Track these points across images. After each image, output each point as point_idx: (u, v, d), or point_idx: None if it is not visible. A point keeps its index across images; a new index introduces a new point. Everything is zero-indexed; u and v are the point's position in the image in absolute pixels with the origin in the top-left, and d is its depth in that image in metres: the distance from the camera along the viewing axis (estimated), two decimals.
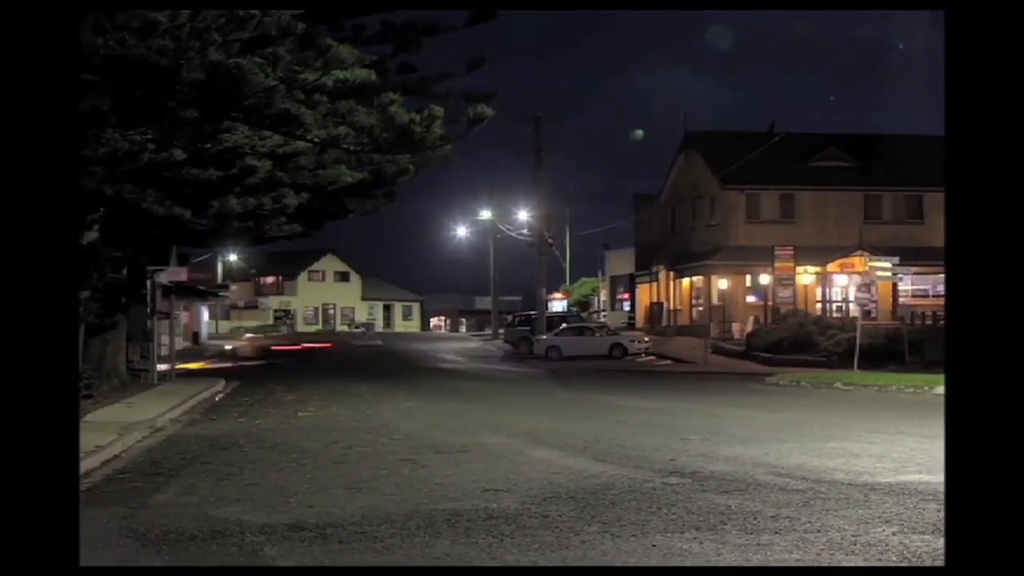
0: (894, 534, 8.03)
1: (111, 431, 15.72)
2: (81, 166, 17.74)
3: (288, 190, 24.50)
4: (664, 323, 55.98)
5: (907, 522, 8.49)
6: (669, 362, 42.94)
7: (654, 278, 58.32)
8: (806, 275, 49.31)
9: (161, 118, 17.84)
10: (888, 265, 35.58)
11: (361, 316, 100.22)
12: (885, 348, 34.90)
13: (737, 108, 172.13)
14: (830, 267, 48.59)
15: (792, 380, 29.07)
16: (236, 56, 16.23)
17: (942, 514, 7.82)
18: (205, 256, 57.49)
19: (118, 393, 24.03)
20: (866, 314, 36.25)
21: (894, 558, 7.32)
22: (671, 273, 55.96)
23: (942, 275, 29.76)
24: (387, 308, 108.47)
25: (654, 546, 7.72)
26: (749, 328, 45.94)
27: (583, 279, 76.68)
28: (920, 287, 48.33)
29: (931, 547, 7.54)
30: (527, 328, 53.75)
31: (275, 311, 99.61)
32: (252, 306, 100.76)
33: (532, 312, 57.46)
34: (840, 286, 49.18)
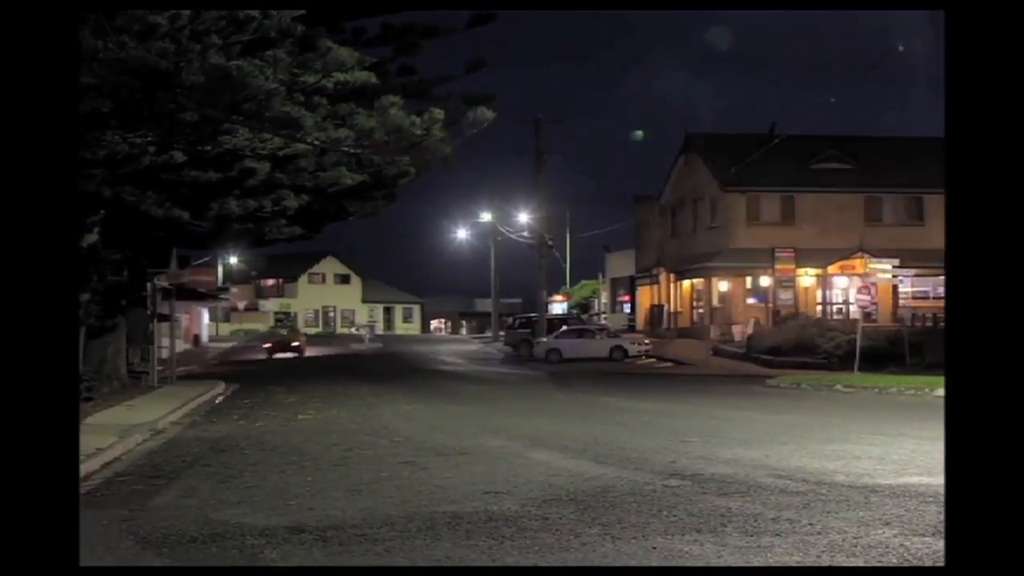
0: (895, 536, 8.03)
1: (111, 433, 15.72)
2: (81, 168, 17.74)
3: (288, 192, 24.50)
4: (665, 325, 55.97)
5: (908, 524, 8.48)
6: (670, 364, 42.92)
7: (654, 280, 58.31)
8: (807, 277, 49.30)
9: (161, 120, 17.85)
10: (888, 267, 35.61)
11: (362, 318, 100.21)
12: (886, 350, 34.89)
13: (737, 110, 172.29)
14: (831, 269, 48.57)
15: (793, 382, 29.06)
16: (236, 59, 16.23)
17: (943, 516, 7.82)
18: (205, 259, 57.42)
19: (118, 395, 24.03)
20: (867, 316, 36.21)
21: (895, 560, 7.32)
22: (672, 275, 55.96)
23: (943, 277, 29.77)
24: (387, 310, 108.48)
25: (655, 548, 7.71)
26: (750, 330, 45.92)
27: (583, 281, 76.68)
28: (921, 289, 48.30)
29: (932, 549, 7.54)
30: (527, 330, 53.73)
31: (276, 314, 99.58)
32: (252, 308, 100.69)
33: (532, 314, 57.44)
34: (841, 288, 49.16)
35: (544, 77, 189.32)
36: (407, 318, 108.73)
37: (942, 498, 8.22)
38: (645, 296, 60.75)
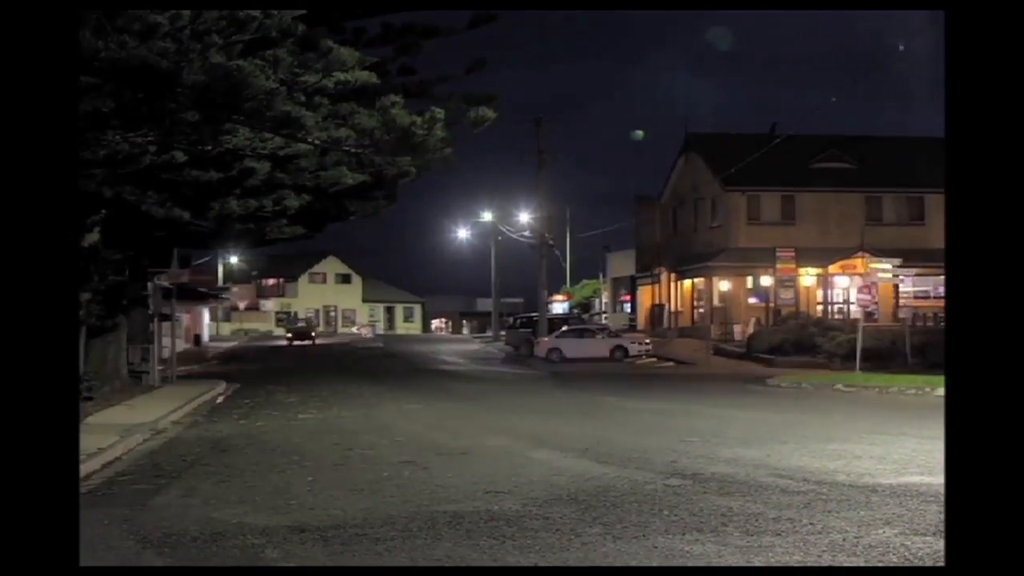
0: (896, 535, 8.03)
1: (112, 433, 15.72)
2: (82, 168, 17.74)
3: (289, 192, 24.50)
4: (665, 325, 55.96)
5: (909, 524, 8.48)
6: (670, 364, 42.91)
7: (655, 280, 58.29)
8: (807, 277, 49.28)
9: (162, 120, 17.84)
10: (889, 267, 35.56)
11: (363, 318, 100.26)
12: (887, 350, 34.88)
13: (738, 110, 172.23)
14: (831, 269, 48.55)
15: (793, 382, 29.06)
16: (237, 58, 16.22)
17: (943, 515, 7.82)
18: (206, 258, 57.51)
19: (119, 395, 24.03)
20: (867, 316, 36.17)
21: (895, 559, 7.32)
22: (672, 275, 55.94)
23: (943, 277, 29.72)
24: (388, 310, 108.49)
25: (655, 548, 7.72)
26: (750, 330, 45.90)
27: (584, 281, 76.67)
28: (922, 288, 48.27)
29: (932, 548, 7.54)
30: (528, 330, 53.72)
31: (277, 313, 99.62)
32: (253, 308, 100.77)
33: (533, 314, 57.42)
34: (841, 288, 49.14)
35: (544, 77, 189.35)
36: (408, 318, 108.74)
37: (943, 498, 8.23)
38: (646, 296, 60.74)
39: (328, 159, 23.10)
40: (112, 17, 14.77)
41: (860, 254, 45.37)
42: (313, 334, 73.26)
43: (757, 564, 7.22)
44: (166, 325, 32.51)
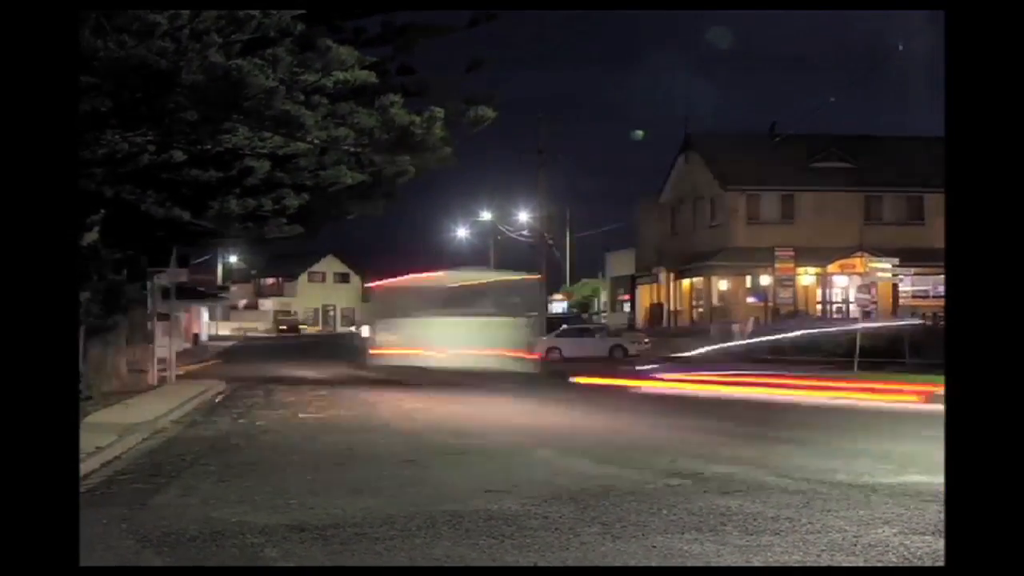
0: (895, 535, 8.03)
1: (111, 432, 15.71)
2: (81, 168, 17.73)
3: (288, 191, 24.48)
4: (665, 324, 55.97)
5: (908, 523, 8.48)
6: None
7: (655, 279, 58.30)
8: (806, 276, 49.30)
9: (161, 119, 17.84)
10: (888, 266, 35.64)
11: (362, 317, 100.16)
12: (885, 349, 34.87)
13: (738, 110, 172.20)
14: (830, 268, 48.58)
15: None
16: (236, 58, 16.22)
17: (943, 515, 7.82)
18: (205, 257, 57.53)
19: (118, 394, 24.01)
20: (866, 315, 36.21)
21: (895, 559, 7.32)
22: (672, 274, 55.96)
23: (942, 276, 29.80)
24: None
25: (655, 547, 7.71)
26: (749, 329, 45.93)
27: (584, 280, 76.63)
28: (921, 288, 48.32)
29: (932, 548, 7.54)
30: None
31: (277, 313, 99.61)
32: (252, 307, 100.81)
33: (533, 313, 57.34)
34: (840, 287, 49.18)
35: (543, 77, 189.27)
36: None
37: (943, 497, 8.24)
38: (645, 295, 60.75)
39: (327, 158, 23.09)
40: (111, 17, 14.77)
41: (859, 254, 45.43)
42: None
43: (756, 564, 7.22)
44: (165, 324, 32.50)
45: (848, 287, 46.90)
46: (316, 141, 19.62)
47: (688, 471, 11.52)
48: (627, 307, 65.22)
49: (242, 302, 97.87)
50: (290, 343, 73.97)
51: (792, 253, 47.74)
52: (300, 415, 20.03)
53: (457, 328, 34.52)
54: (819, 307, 49.51)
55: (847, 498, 9.68)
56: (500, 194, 72.20)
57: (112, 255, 25.78)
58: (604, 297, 70.71)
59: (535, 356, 34.47)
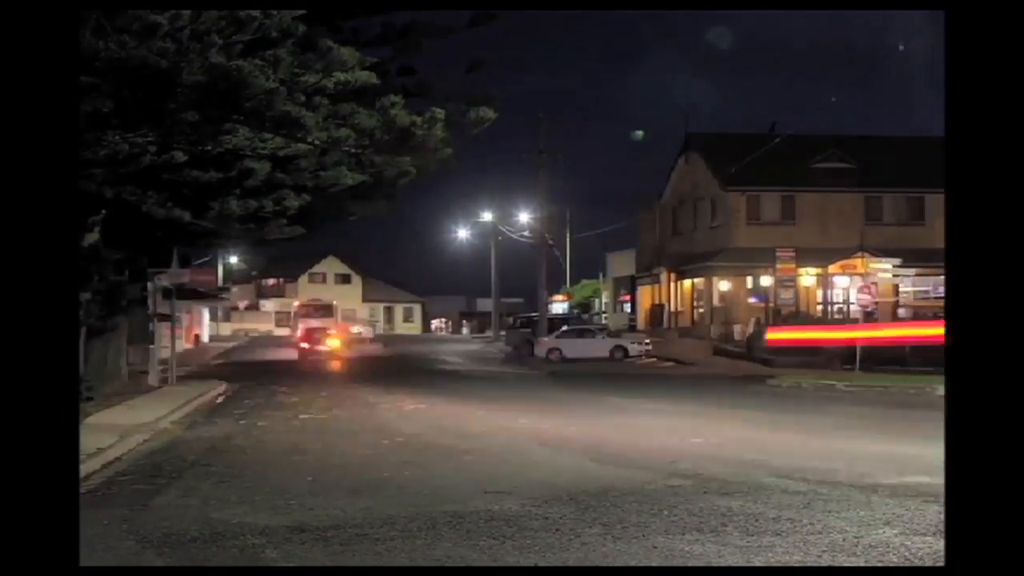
0: (896, 536, 8.03)
1: (112, 433, 15.72)
2: (82, 168, 17.73)
3: (289, 192, 24.48)
4: (665, 325, 55.95)
5: (909, 524, 8.48)
6: (670, 364, 42.91)
7: (655, 280, 58.27)
8: (807, 276, 49.25)
9: (162, 120, 17.83)
10: (889, 266, 35.61)
11: (362, 318, 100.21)
12: (886, 350, 34.86)
13: (738, 110, 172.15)
14: (831, 269, 48.50)
15: (794, 382, 29.07)
16: (237, 58, 16.21)
17: (943, 515, 7.82)
18: (206, 258, 57.48)
19: (119, 396, 24.01)
20: (867, 315, 36.19)
21: (896, 560, 7.32)
22: (672, 275, 55.93)
23: (943, 276, 29.64)
24: (388, 310, 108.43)
25: (655, 548, 7.71)
26: (750, 330, 45.89)
27: (584, 281, 76.61)
28: (922, 288, 48.29)
29: (933, 548, 7.54)
30: (528, 330, 53.70)
31: (277, 313, 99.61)
32: (253, 308, 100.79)
33: (533, 314, 57.38)
34: (841, 287, 49.09)
35: (544, 77, 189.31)
36: (408, 318, 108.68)
37: (943, 498, 8.23)
38: (646, 296, 60.73)
39: (328, 159, 23.09)
40: (112, 17, 14.77)
41: (860, 254, 45.38)
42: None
43: (757, 564, 7.22)
44: (166, 325, 32.51)
45: (849, 287, 46.86)
46: (317, 142, 19.62)
47: (688, 472, 11.52)
48: (628, 308, 65.19)
49: (243, 303, 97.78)
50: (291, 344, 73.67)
51: (793, 253, 47.69)
52: (301, 416, 20.03)
53: None
54: (820, 308, 49.45)
55: (848, 499, 9.68)
56: (500, 195, 72.20)
57: (113, 256, 25.79)
58: (605, 298, 70.68)
59: None
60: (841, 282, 48.85)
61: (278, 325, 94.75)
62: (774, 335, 32.36)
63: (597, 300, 72.54)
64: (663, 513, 9.03)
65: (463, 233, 76.51)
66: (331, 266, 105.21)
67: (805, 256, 47.87)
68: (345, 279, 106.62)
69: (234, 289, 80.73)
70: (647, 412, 20.55)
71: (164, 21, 14.82)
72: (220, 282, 70.11)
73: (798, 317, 44.72)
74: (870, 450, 13.48)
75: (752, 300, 50.17)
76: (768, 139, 49.35)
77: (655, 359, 45.30)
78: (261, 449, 14.72)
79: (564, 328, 49.88)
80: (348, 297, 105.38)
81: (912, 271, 37.70)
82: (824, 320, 45.67)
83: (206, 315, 71.12)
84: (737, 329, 48.12)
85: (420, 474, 11.80)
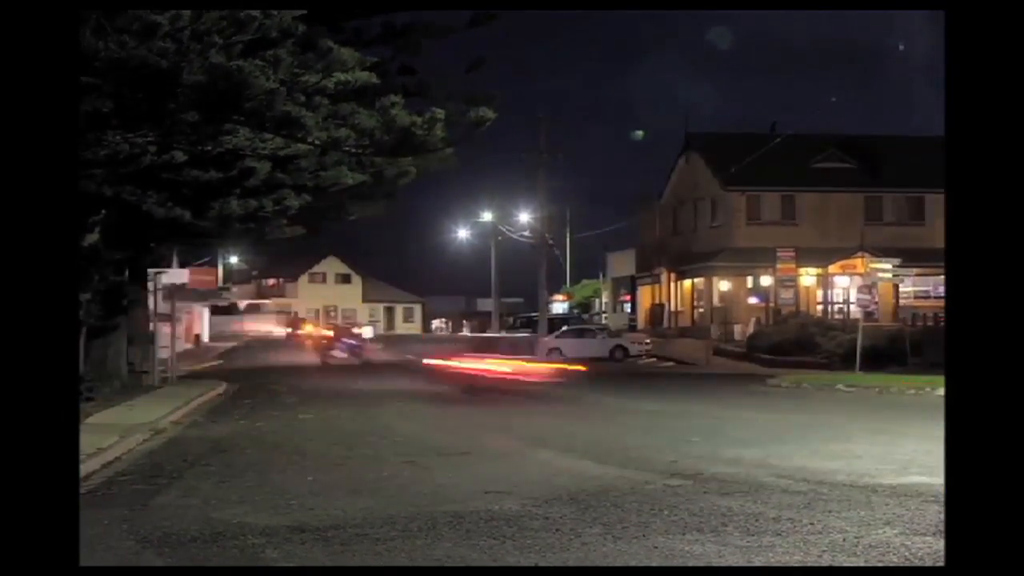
0: (896, 536, 8.03)
1: (112, 433, 15.71)
2: (82, 168, 17.73)
3: (289, 192, 24.49)
4: (665, 325, 55.95)
5: (909, 524, 8.48)
6: (671, 364, 42.92)
7: (656, 280, 58.28)
8: (807, 276, 49.26)
9: (162, 120, 17.83)
10: (889, 266, 35.57)
11: (363, 318, 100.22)
12: (887, 350, 34.89)
13: (738, 110, 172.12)
14: (831, 268, 48.52)
15: (794, 382, 29.06)
16: (237, 58, 16.21)
17: (944, 515, 7.82)
18: (206, 258, 57.48)
19: (119, 395, 24.00)
20: (868, 315, 36.19)
21: (896, 560, 7.32)
22: (673, 275, 55.93)
23: (943, 276, 29.54)
24: (388, 310, 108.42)
25: (656, 548, 7.71)
26: (751, 330, 45.91)
27: (584, 281, 76.59)
28: (922, 288, 48.29)
29: (933, 548, 7.54)
30: (528, 330, 53.70)
31: (277, 313, 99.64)
32: (254, 308, 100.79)
33: (533, 314, 57.38)
34: (842, 287, 49.11)
35: (544, 77, 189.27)
36: (408, 318, 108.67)
37: (943, 498, 8.23)
38: (646, 296, 60.73)
39: (328, 159, 23.11)
40: (112, 17, 14.77)
41: (860, 254, 45.37)
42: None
43: (757, 564, 7.22)
44: (166, 325, 32.50)
45: (849, 287, 46.86)
46: (317, 142, 19.63)
47: (689, 471, 11.52)
48: (628, 307, 65.19)
49: (243, 303, 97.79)
50: (291, 344, 73.98)
51: (793, 253, 47.70)
52: (300, 416, 20.03)
53: None
54: (820, 307, 49.46)
55: (848, 499, 9.68)
56: (500, 195, 71.96)
57: (113, 256, 25.78)
58: (605, 297, 70.65)
59: None
60: (841, 282, 48.86)
61: (278, 325, 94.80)
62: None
63: (597, 300, 72.52)
64: (663, 513, 9.03)
65: (463, 233, 76.51)
66: (331, 266, 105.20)
67: (805, 256, 47.87)
68: (345, 279, 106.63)
69: (234, 289, 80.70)
70: (647, 412, 20.55)
71: (164, 21, 14.82)
72: (220, 282, 70.14)
73: (798, 317, 44.73)
74: (870, 450, 13.48)
75: (752, 300, 50.17)
76: (768, 139, 49.36)
77: (655, 359, 45.32)
78: (261, 449, 14.71)
79: (564, 328, 49.89)
80: (348, 297, 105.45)
81: (912, 271, 37.65)
82: (824, 320, 45.65)
83: (206, 315, 71.08)
84: (737, 329, 48.13)
85: (420, 474, 11.80)
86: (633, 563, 7.32)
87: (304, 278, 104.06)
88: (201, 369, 39.92)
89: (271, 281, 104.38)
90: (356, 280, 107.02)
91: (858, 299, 35.22)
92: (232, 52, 16.15)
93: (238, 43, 16.15)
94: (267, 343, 72.12)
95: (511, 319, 62.09)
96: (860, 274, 41.42)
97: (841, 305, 49.25)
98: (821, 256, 48.08)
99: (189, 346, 56.13)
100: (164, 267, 29.88)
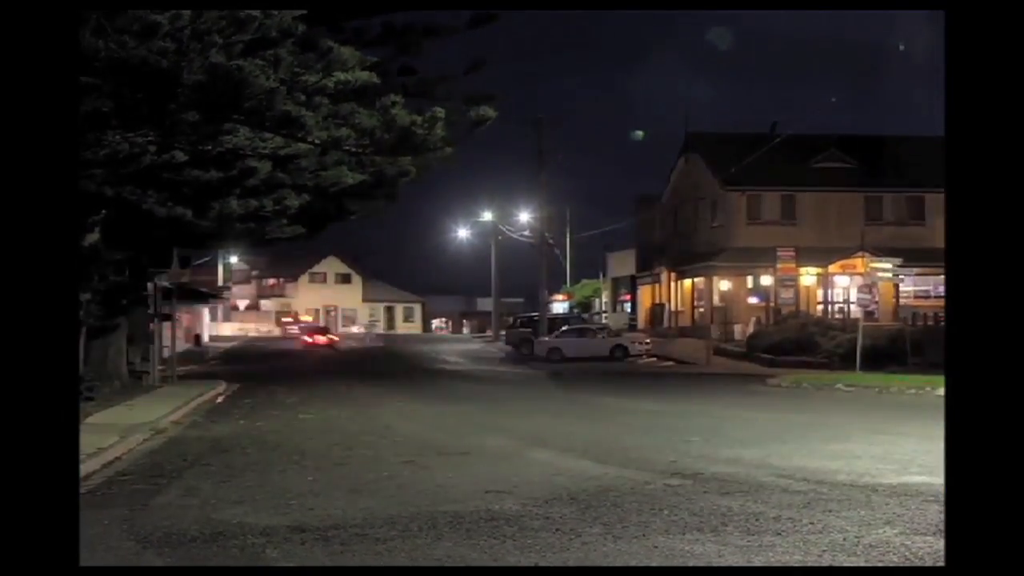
0: (896, 535, 8.03)
1: (113, 433, 15.72)
2: (82, 168, 17.74)
3: (289, 191, 24.50)
4: (666, 324, 55.95)
5: (909, 523, 8.48)
6: (671, 363, 42.91)
7: (656, 279, 58.28)
8: (807, 276, 49.25)
9: (162, 120, 17.83)
10: (889, 266, 35.56)
11: (363, 318, 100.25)
12: (887, 349, 34.88)
13: (738, 110, 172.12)
14: (832, 268, 48.51)
15: (794, 381, 29.06)
16: (237, 58, 16.21)
17: (944, 515, 7.82)
18: (206, 258, 57.52)
19: (119, 395, 24.02)
20: (868, 315, 36.17)
21: (896, 559, 7.32)
22: (673, 274, 55.92)
23: (943, 276, 29.49)
24: (388, 310, 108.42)
25: (656, 547, 7.71)
26: (751, 329, 45.89)
27: (584, 281, 76.57)
28: (922, 288, 48.29)
29: (933, 548, 7.54)
30: (528, 330, 53.72)
31: (277, 313, 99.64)
32: (254, 308, 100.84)
33: (534, 313, 57.40)
34: (842, 287, 49.09)
35: (545, 77, 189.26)
36: (408, 318, 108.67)
37: (943, 497, 8.23)
38: (646, 295, 60.73)
39: (328, 159, 23.11)
40: (112, 17, 14.77)
41: (860, 254, 45.35)
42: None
43: (757, 564, 7.22)
44: (166, 325, 32.51)
45: (849, 287, 46.85)
46: (317, 142, 19.63)
47: (689, 471, 11.52)
48: (628, 307, 65.19)
49: (243, 303, 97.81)
50: (292, 344, 74.08)
51: (793, 253, 47.69)
52: (301, 416, 20.03)
53: None
54: (820, 307, 49.45)
55: (848, 498, 9.68)
56: (501, 195, 72.03)
57: (113, 256, 25.79)
58: (605, 297, 70.66)
59: None
60: (841, 282, 48.84)
61: (278, 325, 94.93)
62: None
63: (597, 300, 72.52)
64: (663, 513, 9.03)
65: (463, 233, 76.52)
66: (331, 266, 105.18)
67: (805, 256, 47.87)
68: (345, 279, 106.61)
69: (234, 289, 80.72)
70: (647, 412, 20.55)
71: (164, 21, 14.82)
72: (220, 282, 70.18)
73: (798, 317, 44.72)
74: (870, 450, 13.47)
75: (752, 300, 50.17)
76: (768, 139, 49.35)
77: (655, 359, 45.31)
78: (261, 448, 14.71)
79: (564, 328, 49.89)
80: (348, 297, 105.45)
81: (912, 271, 37.66)
82: (824, 319, 45.64)
83: (206, 315, 71.08)
84: (737, 329, 48.12)
85: (420, 474, 11.80)
86: (633, 563, 7.32)
87: (304, 278, 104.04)
88: (201, 369, 39.94)
89: (271, 281, 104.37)
90: (356, 280, 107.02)
91: (858, 299, 35.20)
92: (232, 52, 16.16)
93: (238, 43, 16.15)
94: (267, 343, 72.18)
95: (511, 318, 62.07)
96: (860, 274, 41.41)
97: (841, 305, 49.24)
98: (821, 256, 48.07)
99: (189, 346, 56.16)
100: (164, 267, 29.84)
